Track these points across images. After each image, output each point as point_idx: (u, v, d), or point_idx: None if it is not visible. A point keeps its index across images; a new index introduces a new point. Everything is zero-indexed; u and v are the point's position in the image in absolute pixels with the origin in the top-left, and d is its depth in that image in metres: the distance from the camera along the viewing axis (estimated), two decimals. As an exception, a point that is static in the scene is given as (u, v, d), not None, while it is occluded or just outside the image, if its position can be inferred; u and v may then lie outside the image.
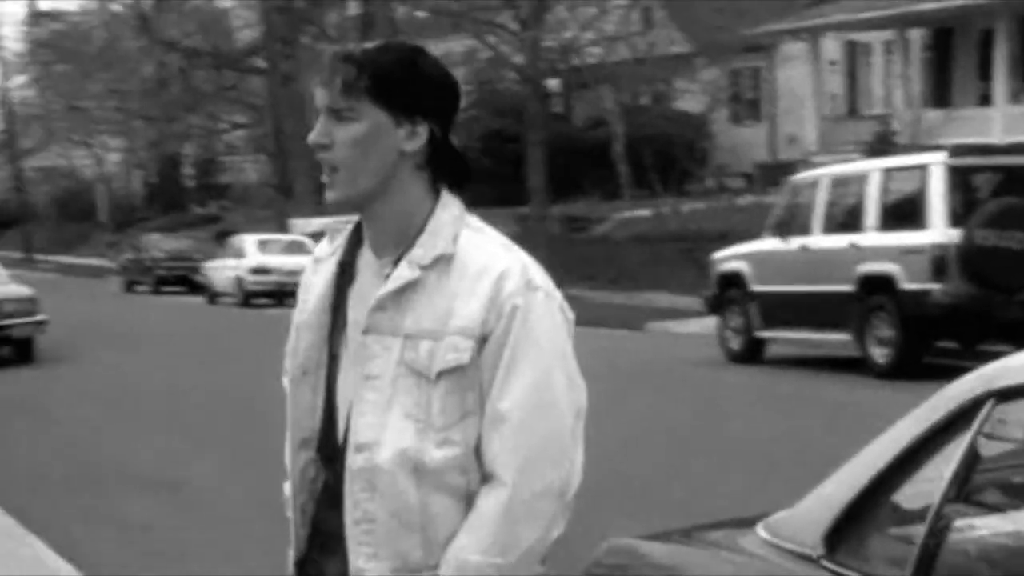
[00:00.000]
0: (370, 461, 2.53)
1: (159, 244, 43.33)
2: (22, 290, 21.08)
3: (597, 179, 37.82)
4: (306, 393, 2.68)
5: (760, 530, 3.89)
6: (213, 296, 34.79)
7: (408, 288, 2.58)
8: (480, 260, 2.57)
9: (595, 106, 41.41)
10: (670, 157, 35.89)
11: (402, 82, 2.59)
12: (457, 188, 2.68)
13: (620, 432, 11.22)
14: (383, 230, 2.63)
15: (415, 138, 2.60)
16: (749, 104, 42.52)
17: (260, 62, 47.73)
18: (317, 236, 40.77)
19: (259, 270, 32.24)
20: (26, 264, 53.85)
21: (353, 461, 2.54)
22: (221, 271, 33.74)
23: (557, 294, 2.63)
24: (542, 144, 32.47)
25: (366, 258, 2.67)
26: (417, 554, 2.54)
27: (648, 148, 35.73)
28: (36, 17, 70.38)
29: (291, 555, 2.73)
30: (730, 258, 18.89)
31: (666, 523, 4.98)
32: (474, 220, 2.66)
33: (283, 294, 31.97)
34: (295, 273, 31.52)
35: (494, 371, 2.53)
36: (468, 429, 2.53)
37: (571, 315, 2.65)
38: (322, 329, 2.67)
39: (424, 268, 2.58)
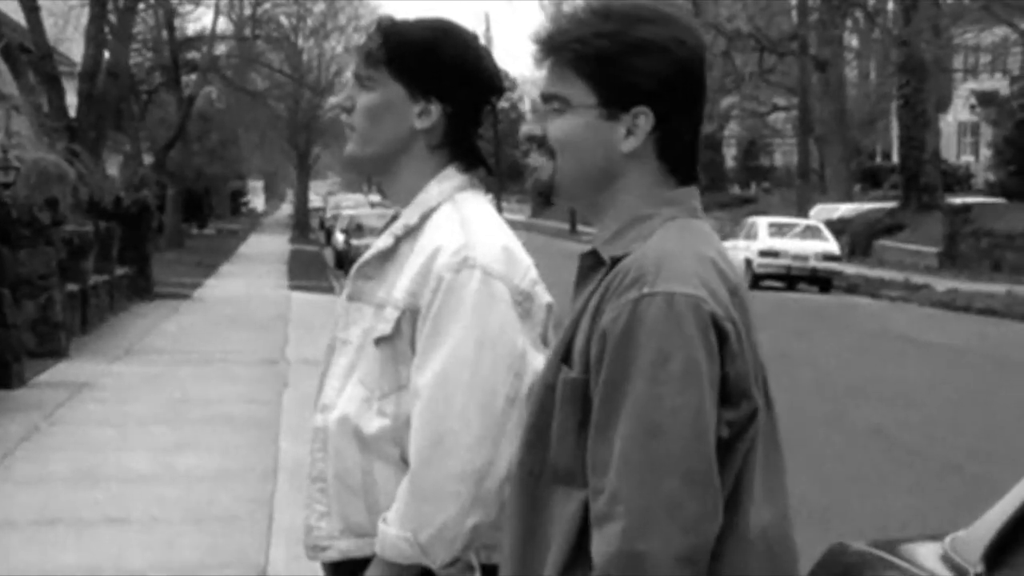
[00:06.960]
0: (325, 422, 2.57)
1: None
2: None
3: None
4: None
5: (946, 543, 3.78)
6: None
7: (383, 257, 2.60)
8: (432, 235, 2.53)
9: None
10: None
11: (420, 60, 2.57)
12: (483, 171, 2.65)
13: None
14: (395, 201, 2.67)
15: (427, 117, 2.59)
16: None
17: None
18: (840, 222, 40.35)
19: (768, 253, 32.28)
20: (570, 236, 55.62)
21: (315, 420, 2.60)
22: (732, 252, 33.98)
23: (513, 279, 2.49)
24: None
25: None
26: (360, 518, 2.53)
27: None
28: None
29: None
30: None
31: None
32: (468, 196, 2.59)
33: (792, 278, 31.82)
34: (803, 258, 31.64)
35: (421, 345, 2.47)
36: (401, 402, 2.48)
37: (543, 301, 2.53)
38: None
39: (398, 238, 2.58)
